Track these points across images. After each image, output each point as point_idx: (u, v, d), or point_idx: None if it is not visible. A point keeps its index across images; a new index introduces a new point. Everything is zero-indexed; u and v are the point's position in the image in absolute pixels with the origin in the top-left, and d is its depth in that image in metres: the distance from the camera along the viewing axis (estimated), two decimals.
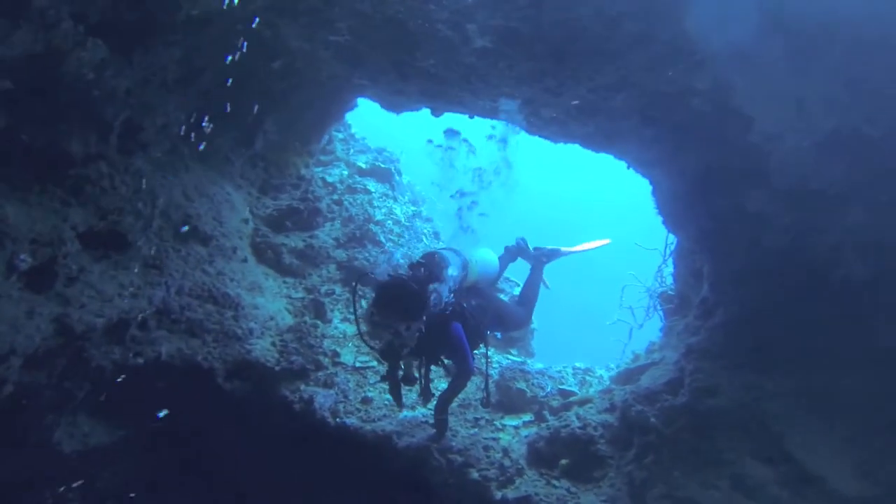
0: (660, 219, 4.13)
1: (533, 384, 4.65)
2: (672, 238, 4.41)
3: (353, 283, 4.67)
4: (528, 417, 4.47)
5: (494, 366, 5.32)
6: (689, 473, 2.90)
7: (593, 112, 3.64)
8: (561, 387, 4.75)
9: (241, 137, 5.66)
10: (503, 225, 5.59)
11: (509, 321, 4.77)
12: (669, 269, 4.56)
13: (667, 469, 2.97)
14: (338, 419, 4.40)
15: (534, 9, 2.94)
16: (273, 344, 4.82)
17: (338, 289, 5.75)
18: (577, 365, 5.31)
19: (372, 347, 4.08)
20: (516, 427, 4.37)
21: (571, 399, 4.47)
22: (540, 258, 5.26)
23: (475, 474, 3.70)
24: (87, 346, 3.67)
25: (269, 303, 5.15)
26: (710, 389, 2.97)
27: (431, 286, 3.72)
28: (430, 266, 4.01)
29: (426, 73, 3.99)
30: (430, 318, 3.65)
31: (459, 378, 3.94)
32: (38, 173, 3.37)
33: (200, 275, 4.44)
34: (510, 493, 3.50)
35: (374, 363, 5.07)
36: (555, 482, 3.51)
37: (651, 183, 4.21)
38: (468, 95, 3.94)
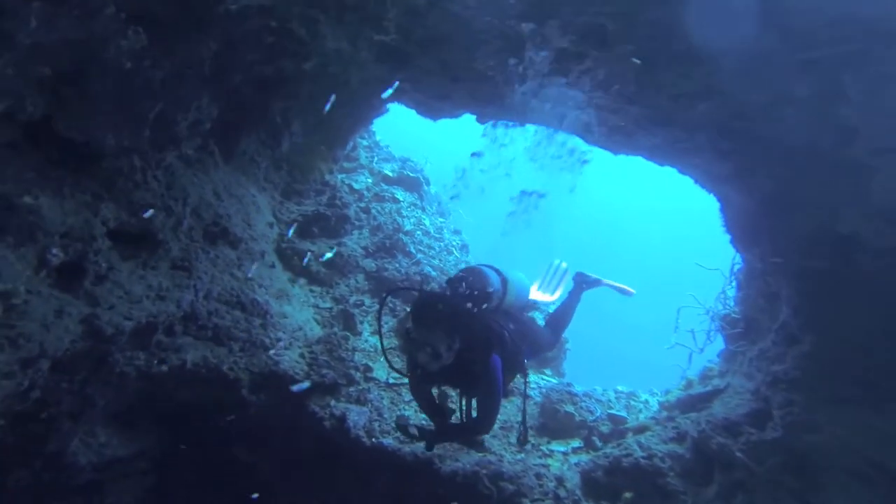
0: (726, 238, 3.87)
1: (581, 407, 4.35)
2: (737, 258, 4.15)
3: (384, 295, 4.41)
4: (576, 443, 4.16)
5: (532, 386, 5.02)
6: None
7: (666, 122, 3.40)
8: (610, 411, 4.44)
9: (266, 139, 5.45)
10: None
11: (540, 347, 4.34)
12: (732, 291, 4.29)
13: None
14: (374, 439, 4.09)
15: (632, 4, 2.68)
16: (302, 356, 4.54)
17: (367, 300, 5.47)
18: (619, 388, 5.01)
19: (393, 368, 3.68)
20: (565, 453, 4.06)
21: (626, 426, 4.17)
22: (581, 284, 4.96)
23: None
24: (112, 351, 3.40)
25: (297, 312, 4.87)
26: (810, 425, 2.68)
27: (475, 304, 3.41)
28: (472, 283, 3.63)
29: (482, 75, 3.76)
30: (470, 342, 3.16)
31: (478, 424, 3.33)
32: (72, 165, 3.13)
33: (229, 279, 4.18)
34: None
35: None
36: None
37: (719, 200, 3.96)
38: (533, 100, 3.69)
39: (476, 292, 3.54)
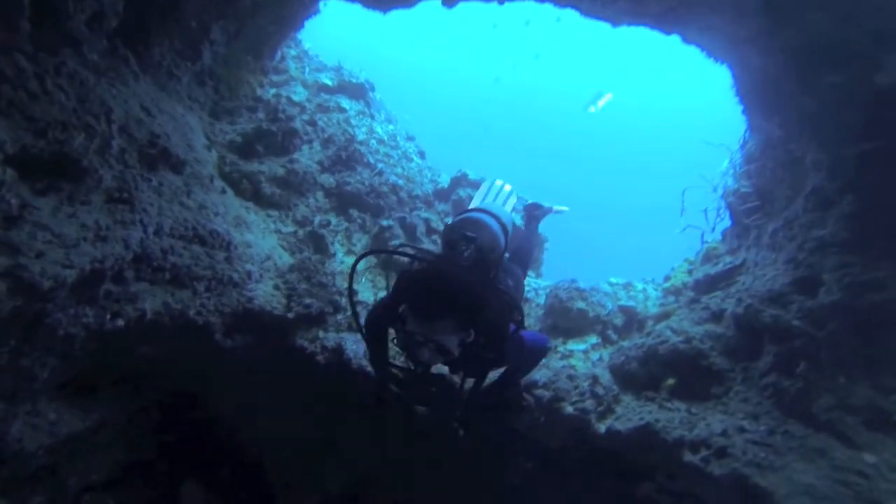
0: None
1: (593, 302, 4.19)
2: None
3: (356, 259, 2.96)
4: (594, 339, 4.04)
5: (528, 288, 4.82)
6: (857, 379, 2.58)
7: None
8: (620, 303, 4.34)
9: (183, 49, 4.51)
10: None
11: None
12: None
13: (829, 376, 2.63)
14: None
15: None
16: (277, 287, 4.02)
17: (333, 219, 4.92)
18: (613, 280, 4.92)
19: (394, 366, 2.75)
20: (585, 351, 3.94)
21: (646, 315, 4.06)
22: (532, 217, 4.42)
23: (569, 408, 3.24)
24: (50, 310, 2.74)
25: (260, 240, 4.28)
26: (872, 284, 2.61)
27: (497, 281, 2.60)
28: (481, 245, 2.70)
29: None
30: (486, 327, 2.42)
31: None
32: None
33: (180, 209, 3.50)
34: (619, 425, 3.08)
35: None
36: (667, 404, 3.12)
37: (733, 67, 3.66)
38: None
39: (490, 257, 2.72)
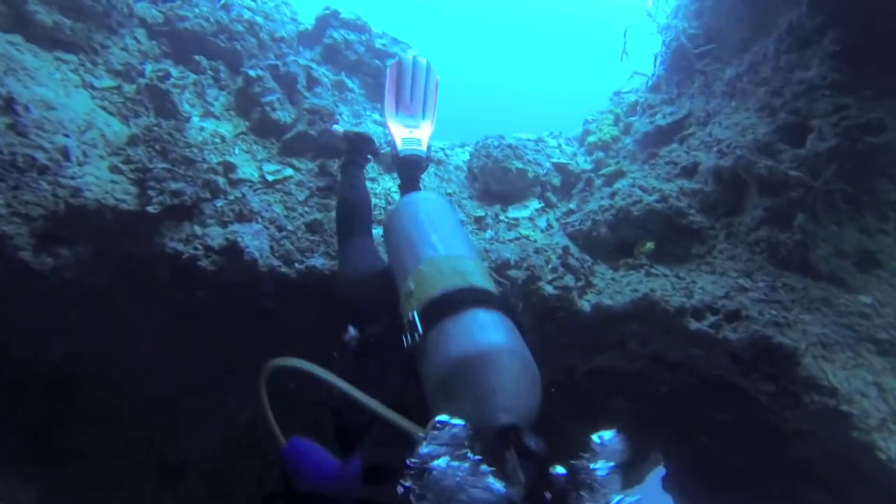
0: None
1: (530, 161, 3.61)
2: None
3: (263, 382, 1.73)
4: (536, 204, 3.53)
5: (436, 150, 4.06)
6: (845, 224, 2.49)
7: None
8: (553, 160, 3.84)
9: None
10: None
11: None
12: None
13: (824, 225, 2.51)
14: (298, 264, 2.81)
15: None
16: (116, 169, 2.65)
17: (171, 69, 3.40)
18: (521, 136, 4.37)
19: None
20: (530, 218, 3.43)
21: (592, 175, 3.60)
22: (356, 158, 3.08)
23: (549, 288, 2.75)
24: None
25: (67, 98, 2.73)
26: (872, 125, 2.44)
27: None
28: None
29: None
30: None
31: None
32: None
33: None
34: (607, 299, 2.70)
35: (290, 170, 3.32)
36: (653, 270, 2.82)
37: None
38: None
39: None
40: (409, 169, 2.90)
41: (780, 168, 2.61)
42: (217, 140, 3.24)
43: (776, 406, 2.55)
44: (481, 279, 1.67)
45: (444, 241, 1.83)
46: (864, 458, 2.29)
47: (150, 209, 2.58)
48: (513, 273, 2.77)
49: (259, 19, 3.94)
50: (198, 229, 2.81)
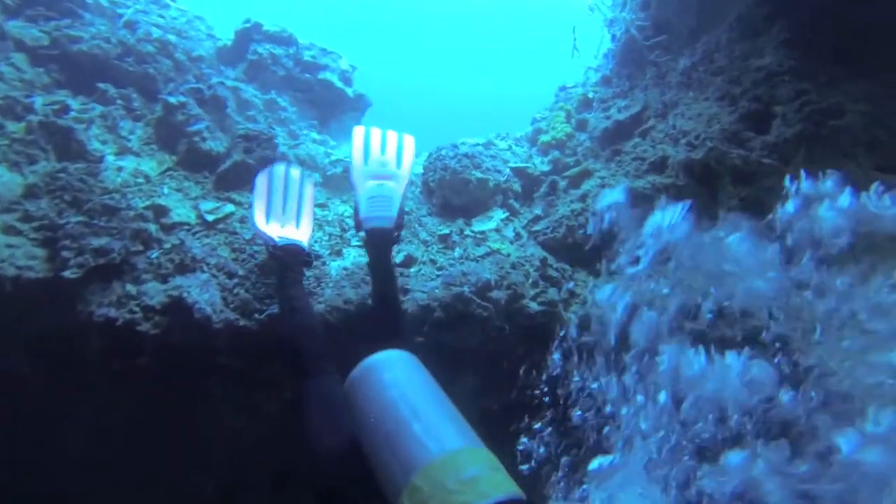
0: None
1: (489, 169, 3.36)
2: None
3: None
4: (501, 214, 3.29)
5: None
6: None
7: None
8: (510, 165, 3.61)
9: None
10: None
11: None
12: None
13: None
14: (257, 314, 2.40)
15: None
16: (11, 230, 2.15)
17: (70, 100, 2.87)
18: (469, 141, 4.14)
19: None
20: (497, 230, 3.19)
21: (556, 177, 3.39)
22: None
23: (533, 305, 2.53)
24: None
25: None
26: (832, 110, 2.41)
27: None
28: None
29: None
30: None
31: None
32: None
33: None
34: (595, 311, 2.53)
35: (231, 206, 2.89)
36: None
37: None
38: None
39: None
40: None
41: (752, 157, 2.54)
42: (140, 180, 2.75)
43: None
44: (494, 483, 1.39)
45: (431, 431, 1.53)
46: None
47: (67, 274, 2.09)
48: (495, 294, 2.52)
49: (172, 37, 3.45)
50: (131, 288, 2.34)
